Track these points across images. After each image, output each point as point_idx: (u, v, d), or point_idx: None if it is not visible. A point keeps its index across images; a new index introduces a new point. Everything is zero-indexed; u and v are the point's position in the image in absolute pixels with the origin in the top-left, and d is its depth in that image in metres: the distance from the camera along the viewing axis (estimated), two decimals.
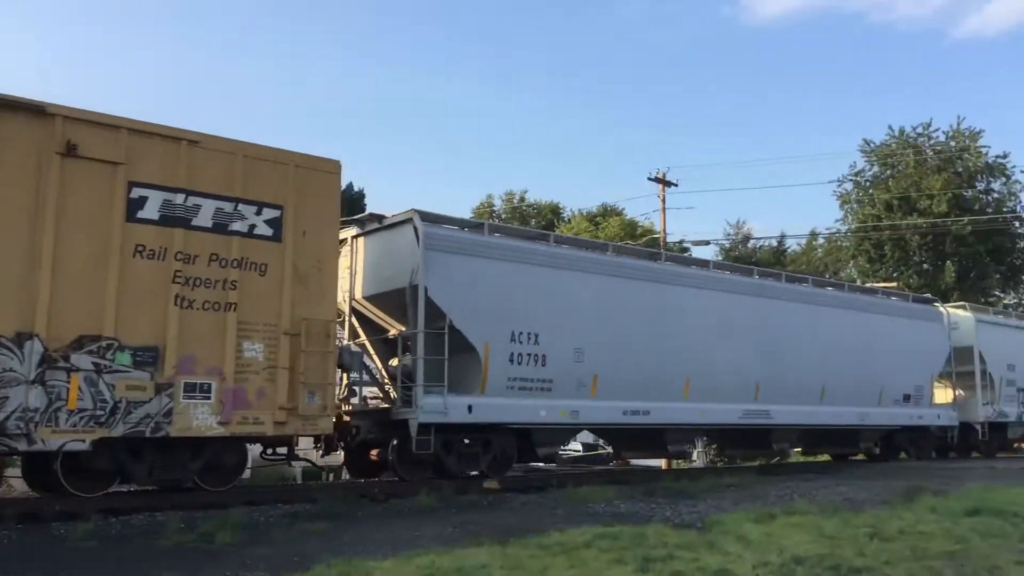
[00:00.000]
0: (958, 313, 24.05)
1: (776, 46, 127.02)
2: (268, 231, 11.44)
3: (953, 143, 43.10)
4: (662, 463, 25.81)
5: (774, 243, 56.23)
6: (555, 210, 60.06)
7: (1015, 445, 27.08)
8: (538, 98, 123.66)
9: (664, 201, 34.92)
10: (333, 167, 12.27)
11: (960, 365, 23.10)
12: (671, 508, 11.61)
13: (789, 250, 55.73)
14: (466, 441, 13.78)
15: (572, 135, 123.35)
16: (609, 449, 28.95)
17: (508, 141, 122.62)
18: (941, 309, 23.36)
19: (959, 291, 38.54)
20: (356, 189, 36.28)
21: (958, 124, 43.38)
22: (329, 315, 12.06)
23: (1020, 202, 44.79)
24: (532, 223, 56.33)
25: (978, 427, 23.33)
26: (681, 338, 16.16)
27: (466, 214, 51.81)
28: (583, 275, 15.07)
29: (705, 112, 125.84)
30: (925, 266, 41.69)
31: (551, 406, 14.25)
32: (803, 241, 55.50)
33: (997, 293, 43.47)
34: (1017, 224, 44.25)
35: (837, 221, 51.63)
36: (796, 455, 24.39)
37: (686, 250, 40.20)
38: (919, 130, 43.97)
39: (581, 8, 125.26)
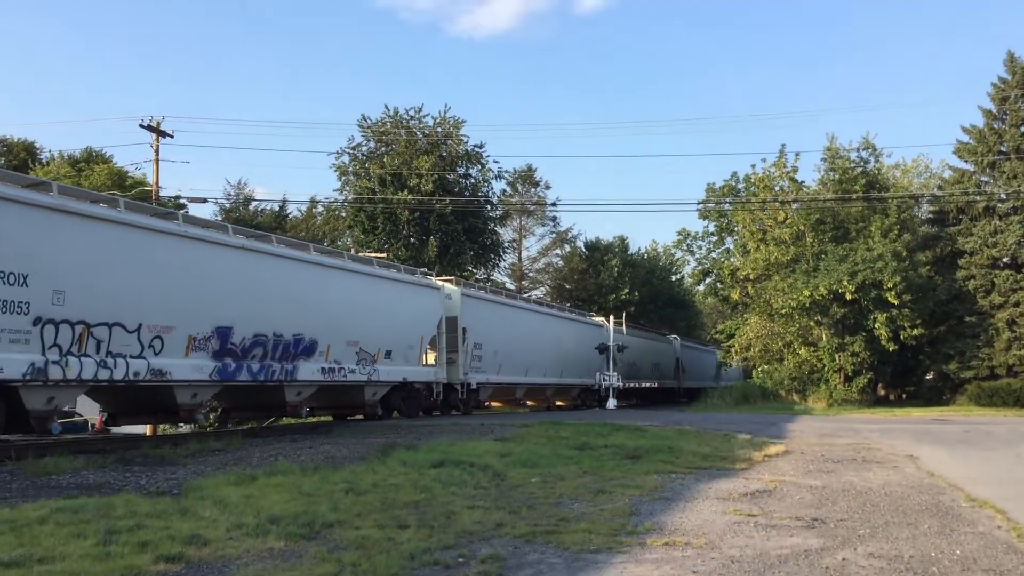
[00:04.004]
0: None
1: (280, 13, 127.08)
2: None
3: (439, 129, 46.99)
4: (147, 429, 24.29)
5: (276, 207, 56.18)
6: (30, 149, 53.09)
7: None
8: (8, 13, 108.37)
9: (158, 152, 32.82)
10: None
11: None
12: (147, 476, 11.02)
13: (291, 215, 56.16)
14: None
15: (50, 67, 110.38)
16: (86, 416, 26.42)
17: None
18: None
19: (440, 264, 42.26)
20: None
21: (444, 112, 47.46)
22: None
23: (492, 188, 50.71)
24: (1, 163, 49.10)
25: None
26: None
27: None
28: None
29: (207, 69, 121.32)
30: (412, 240, 44.96)
31: None
32: (304, 207, 56.30)
33: (471, 268, 48.58)
34: (489, 208, 49.94)
35: (335, 191, 53.38)
36: None
37: (183, 206, 38.29)
38: (411, 112, 47.22)
39: None
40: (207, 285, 16.89)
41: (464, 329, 27.27)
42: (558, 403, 38.27)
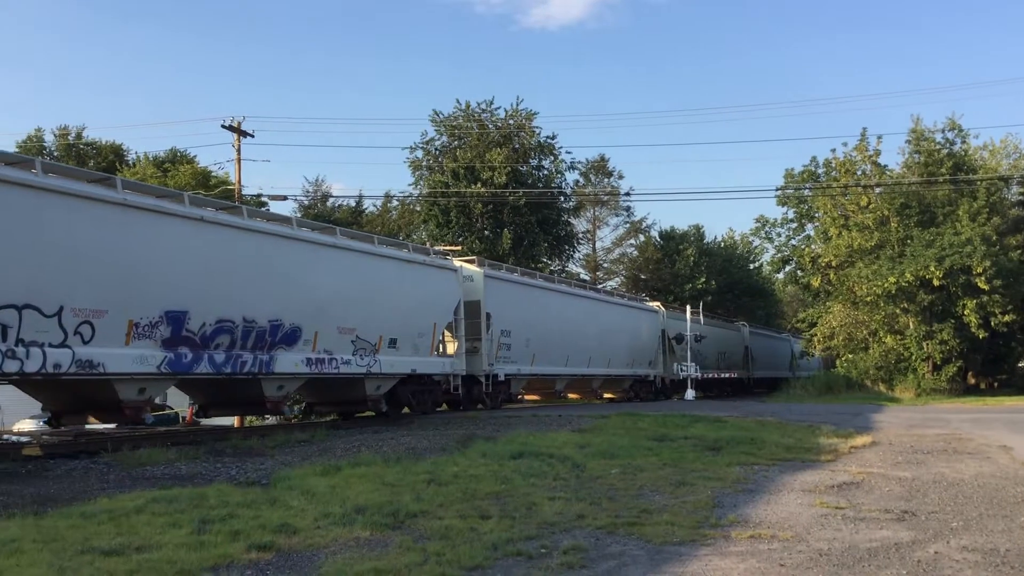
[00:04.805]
0: None
1: (354, 10, 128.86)
2: None
3: (512, 121, 47.08)
4: (235, 421, 24.94)
5: (352, 203, 57.10)
6: (117, 151, 54.94)
7: None
8: (101, 20, 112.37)
9: (239, 151, 33.65)
10: None
11: None
12: (237, 467, 11.32)
13: (367, 211, 56.99)
14: None
15: (141, 72, 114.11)
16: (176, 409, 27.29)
17: (62, 67, 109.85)
18: None
19: (514, 256, 42.38)
20: None
21: (516, 104, 47.55)
22: None
23: (565, 179, 50.58)
24: (91, 164, 50.96)
25: None
26: None
27: (9, 149, 45.29)
28: None
29: (284, 67, 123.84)
30: (487, 233, 45.16)
31: None
32: (380, 203, 57.10)
33: (545, 260, 48.59)
34: (562, 199, 49.84)
35: (410, 185, 53.99)
36: None
37: (264, 204, 39.21)
38: (483, 106, 47.41)
39: None
40: (153, 262, 14.28)
41: (488, 315, 24.04)
42: (607, 395, 34.93)
